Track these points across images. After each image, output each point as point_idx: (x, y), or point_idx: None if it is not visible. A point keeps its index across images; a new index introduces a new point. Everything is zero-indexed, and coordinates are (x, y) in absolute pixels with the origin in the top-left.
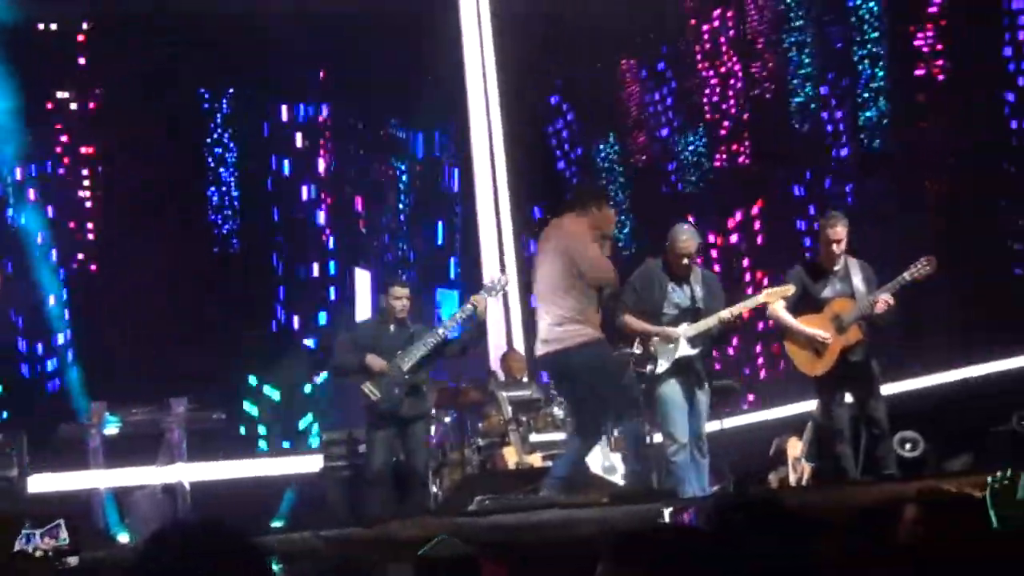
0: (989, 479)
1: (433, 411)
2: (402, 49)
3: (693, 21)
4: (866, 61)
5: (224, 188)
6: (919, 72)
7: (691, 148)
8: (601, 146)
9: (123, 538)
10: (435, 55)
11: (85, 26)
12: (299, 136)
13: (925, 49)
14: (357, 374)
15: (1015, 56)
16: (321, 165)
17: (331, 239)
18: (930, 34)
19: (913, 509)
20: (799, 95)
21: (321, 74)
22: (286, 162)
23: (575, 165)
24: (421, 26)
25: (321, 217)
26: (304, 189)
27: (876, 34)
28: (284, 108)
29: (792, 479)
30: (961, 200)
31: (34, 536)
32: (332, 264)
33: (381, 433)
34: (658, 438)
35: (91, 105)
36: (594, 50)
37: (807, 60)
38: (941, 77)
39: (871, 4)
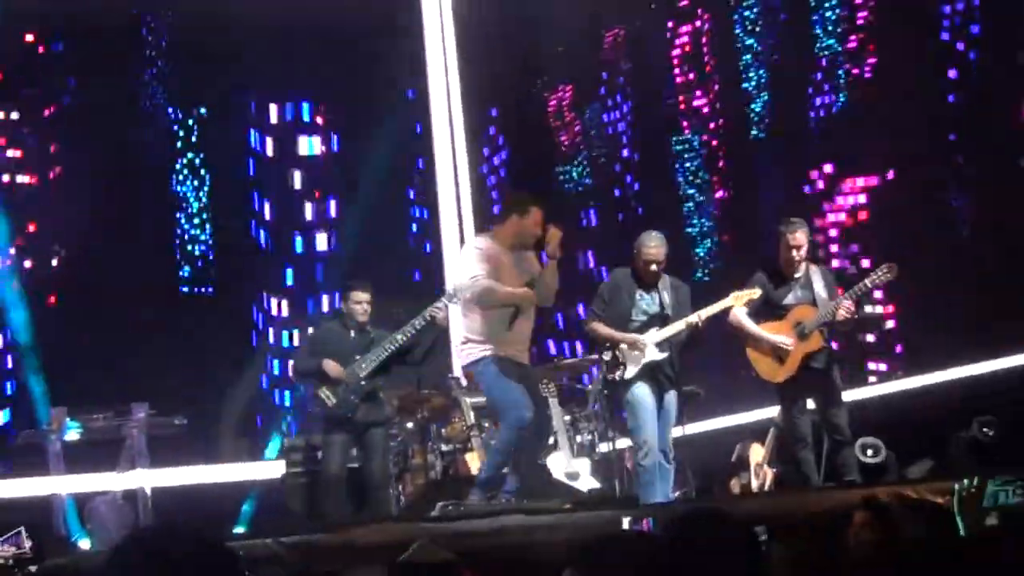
0: (956, 487)
1: (397, 418)
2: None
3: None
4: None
5: (192, 196)
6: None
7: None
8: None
9: (84, 544)
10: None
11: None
12: (270, 142)
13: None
14: (315, 378)
15: None
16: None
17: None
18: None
19: (861, 515)
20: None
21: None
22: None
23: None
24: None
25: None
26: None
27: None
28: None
29: (754, 485)
30: (921, 209)
31: None
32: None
33: (338, 438)
34: (620, 444)
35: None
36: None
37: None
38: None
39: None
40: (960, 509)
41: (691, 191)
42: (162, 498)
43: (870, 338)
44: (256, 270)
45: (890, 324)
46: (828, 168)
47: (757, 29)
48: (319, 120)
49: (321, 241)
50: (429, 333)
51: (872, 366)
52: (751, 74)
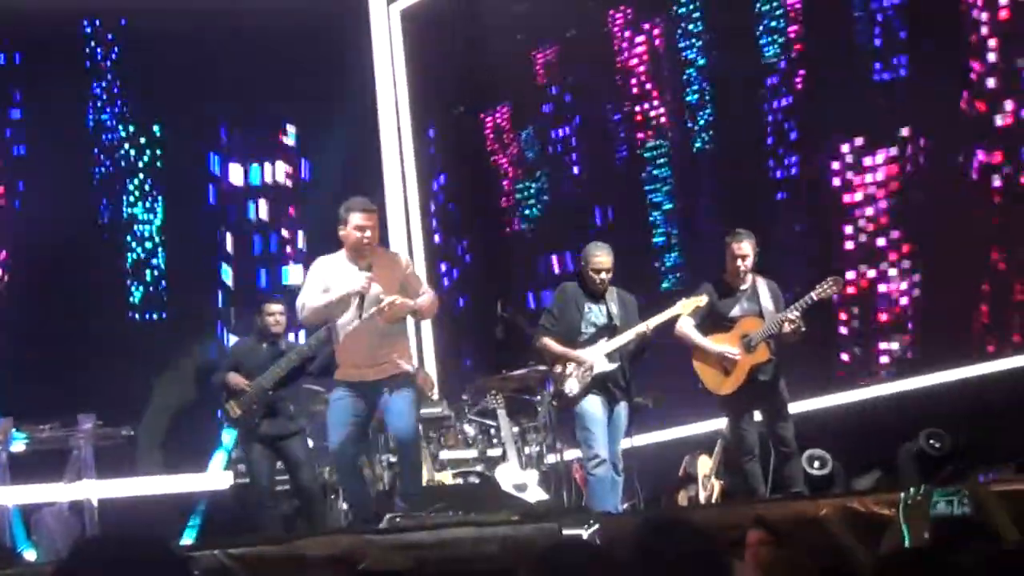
0: (902, 495)
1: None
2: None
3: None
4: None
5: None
6: None
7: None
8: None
9: (30, 555)
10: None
11: None
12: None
13: None
14: (224, 391)
15: None
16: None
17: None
18: None
19: (757, 533)
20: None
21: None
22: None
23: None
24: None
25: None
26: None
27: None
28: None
29: (702, 497)
30: None
31: None
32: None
33: (256, 451)
34: (568, 455)
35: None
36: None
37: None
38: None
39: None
40: (906, 518)
41: (658, 199)
42: (109, 509)
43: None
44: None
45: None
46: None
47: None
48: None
49: (296, 274)
50: (328, 346)
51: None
52: (695, 87)
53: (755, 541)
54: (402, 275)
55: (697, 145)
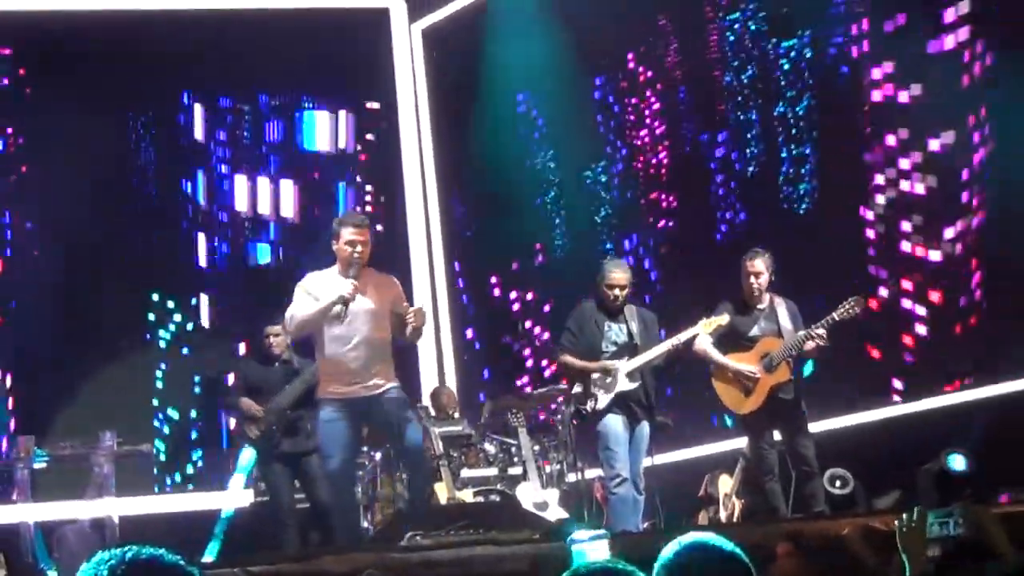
0: (896, 523)
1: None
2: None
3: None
4: None
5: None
6: None
7: None
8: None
9: (51, 574)
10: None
11: None
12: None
13: None
14: (239, 414)
15: None
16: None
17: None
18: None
19: (785, 546)
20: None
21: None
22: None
23: None
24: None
25: None
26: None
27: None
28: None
29: (723, 516)
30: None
31: None
32: None
33: (276, 470)
34: (589, 474)
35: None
36: None
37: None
38: None
39: None
40: (904, 546)
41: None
42: (130, 527)
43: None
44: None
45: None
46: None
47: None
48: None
49: None
50: None
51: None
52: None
53: (783, 553)
54: (394, 296)
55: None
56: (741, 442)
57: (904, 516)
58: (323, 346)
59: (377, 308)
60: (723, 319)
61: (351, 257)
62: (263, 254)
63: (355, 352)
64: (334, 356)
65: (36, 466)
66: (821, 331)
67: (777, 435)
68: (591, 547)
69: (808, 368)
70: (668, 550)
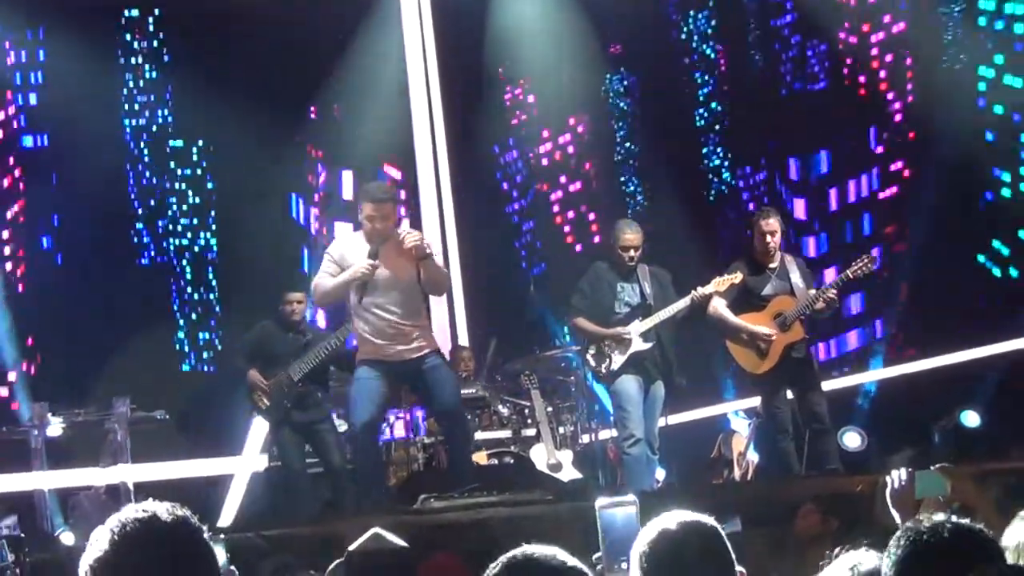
0: (887, 479)
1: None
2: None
3: None
4: None
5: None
6: None
7: None
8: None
9: (67, 539)
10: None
11: None
12: None
13: None
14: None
15: None
16: None
17: None
18: None
19: (809, 505)
20: None
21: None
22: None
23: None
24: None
25: None
26: None
27: None
28: None
29: (737, 475)
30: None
31: None
32: None
33: (286, 435)
34: (602, 435)
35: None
36: None
37: None
38: None
39: None
40: (895, 505)
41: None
42: (145, 493)
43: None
44: None
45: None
46: None
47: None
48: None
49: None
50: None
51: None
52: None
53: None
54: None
55: None
56: (754, 401)
57: (893, 474)
58: (355, 313)
59: (404, 275)
60: (736, 277)
61: (371, 232)
62: None
63: (384, 320)
64: (366, 323)
65: (50, 433)
66: (832, 292)
67: (789, 394)
68: (619, 512)
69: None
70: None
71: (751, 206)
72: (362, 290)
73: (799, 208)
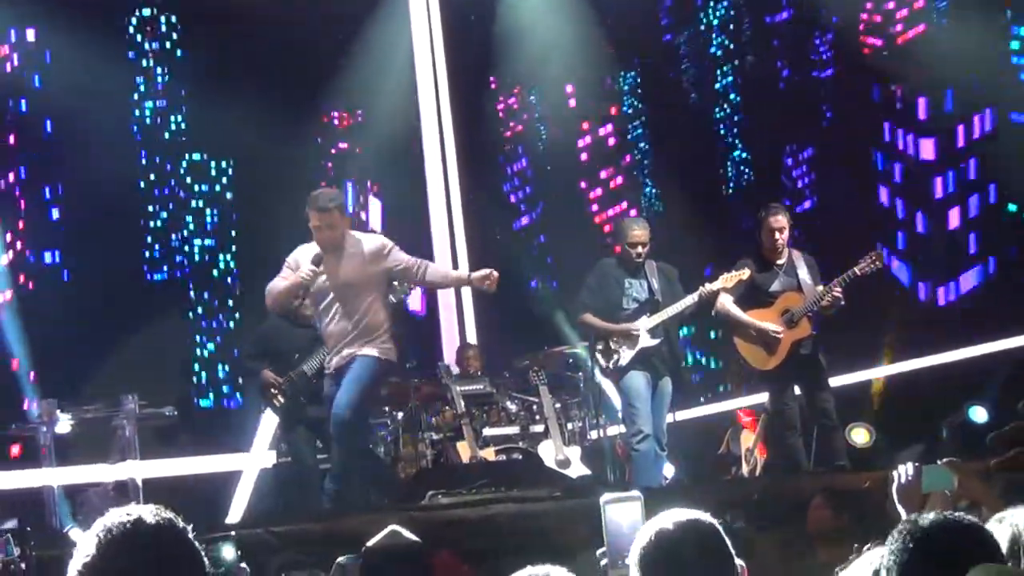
0: (894, 474)
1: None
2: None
3: None
4: None
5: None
6: None
7: None
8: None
9: (76, 536)
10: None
11: None
12: None
13: None
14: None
15: None
16: None
17: None
18: None
19: (819, 499)
20: None
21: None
22: None
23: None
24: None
25: None
26: None
27: None
28: None
29: (744, 471)
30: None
31: None
32: None
33: (300, 433)
34: (612, 431)
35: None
36: None
37: None
38: None
39: None
40: (900, 500)
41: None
42: (153, 489)
43: None
44: None
45: None
46: None
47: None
48: None
49: None
50: None
51: None
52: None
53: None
54: (377, 259)
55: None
56: (761, 398)
57: (900, 468)
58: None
59: (352, 280)
60: (744, 273)
61: (319, 241)
62: None
63: (335, 325)
64: (323, 328)
65: (59, 429)
66: (838, 291)
67: (797, 390)
68: (624, 508)
69: None
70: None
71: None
72: (313, 297)
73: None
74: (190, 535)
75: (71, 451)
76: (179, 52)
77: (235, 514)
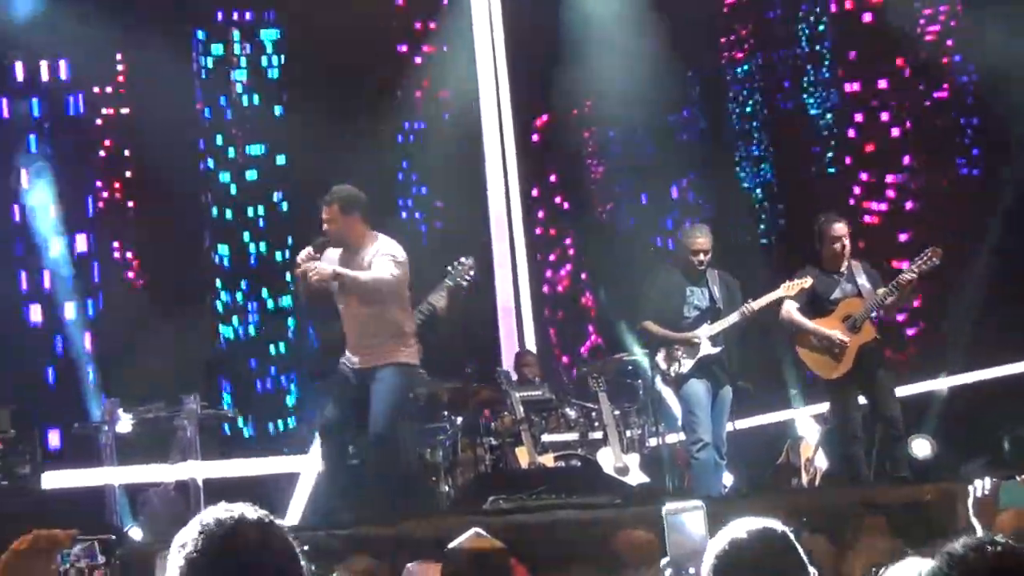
0: (970, 489)
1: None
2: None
3: None
4: None
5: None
6: None
7: None
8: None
9: (135, 535)
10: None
11: None
12: None
13: None
14: None
15: None
16: None
17: None
18: None
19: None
20: None
21: None
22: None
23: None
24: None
25: None
26: None
27: None
28: None
29: (804, 481)
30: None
31: (68, 555)
32: None
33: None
34: (671, 439)
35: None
36: None
37: None
38: None
39: None
40: (976, 514)
41: None
42: (213, 489)
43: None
44: None
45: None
46: None
47: None
48: None
49: None
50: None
51: None
52: None
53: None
54: (369, 259)
55: None
56: (821, 407)
57: (976, 483)
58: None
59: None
60: (806, 281)
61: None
62: None
63: (348, 324)
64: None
65: (120, 429)
66: (893, 287)
67: (861, 399)
68: (687, 517)
69: None
70: None
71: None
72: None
73: None
74: (289, 533)
75: (132, 451)
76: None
77: (294, 516)
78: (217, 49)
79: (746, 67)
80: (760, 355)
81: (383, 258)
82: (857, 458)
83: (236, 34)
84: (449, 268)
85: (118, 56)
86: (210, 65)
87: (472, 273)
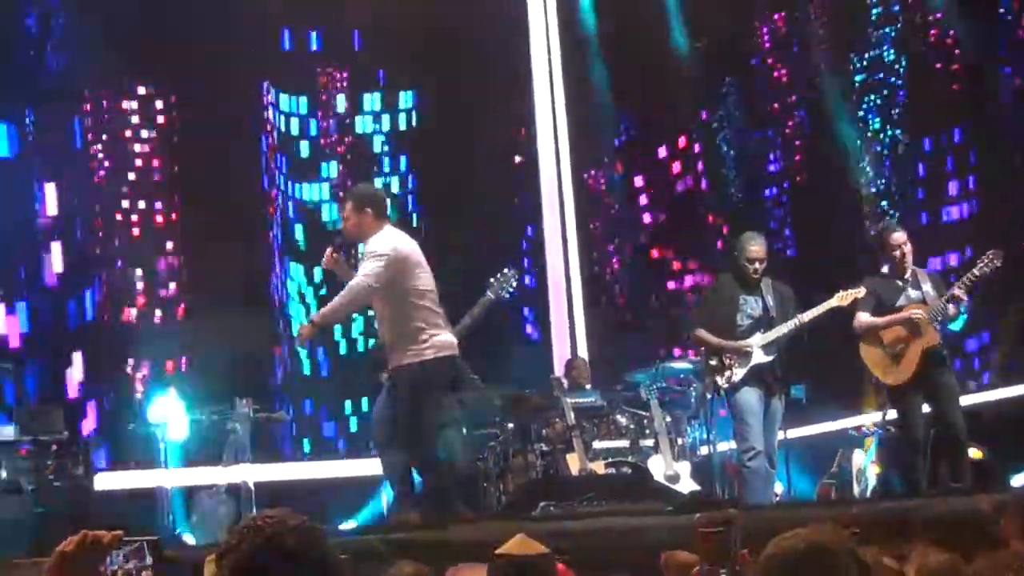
0: (1007, 499)
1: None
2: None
3: None
4: None
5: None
6: None
7: None
8: None
9: (188, 538)
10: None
11: None
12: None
13: None
14: None
15: None
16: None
17: None
18: None
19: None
20: None
21: None
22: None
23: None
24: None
25: None
26: None
27: None
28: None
29: (856, 491)
30: None
31: (116, 556)
32: None
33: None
34: (722, 447)
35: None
36: None
37: None
38: None
39: None
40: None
41: None
42: (265, 493)
43: None
44: None
45: None
46: None
47: None
48: None
49: None
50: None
51: None
52: None
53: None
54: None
55: None
56: (874, 417)
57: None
58: None
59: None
60: (860, 291)
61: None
62: None
63: (381, 330)
64: None
65: (175, 432)
66: (959, 291)
67: (924, 406)
68: None
69: (959, 323)
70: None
71: None
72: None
73: None
74: (330, 540)
75: (186, 453)
76: None
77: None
78: None
79: None
80: (814, 364)
81: (366, 260)
82: (916, 467)
83: None
84: (492, 280)
85: None
86: None
87: (514, 284)
